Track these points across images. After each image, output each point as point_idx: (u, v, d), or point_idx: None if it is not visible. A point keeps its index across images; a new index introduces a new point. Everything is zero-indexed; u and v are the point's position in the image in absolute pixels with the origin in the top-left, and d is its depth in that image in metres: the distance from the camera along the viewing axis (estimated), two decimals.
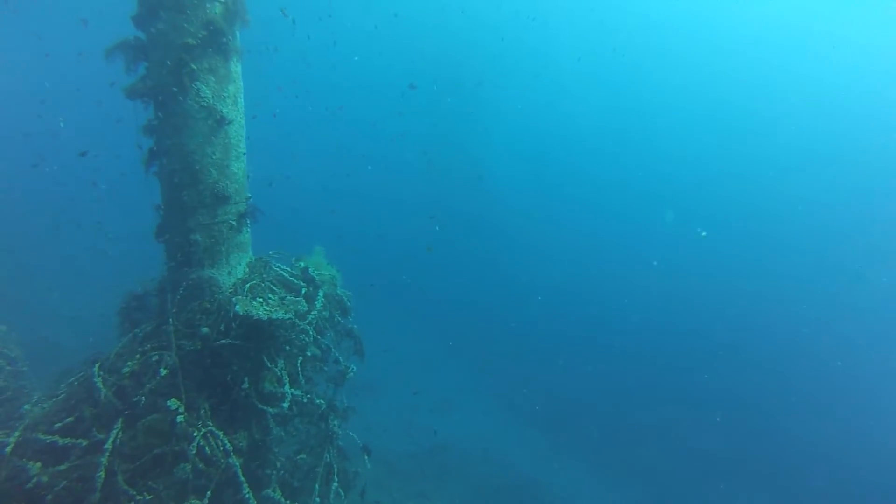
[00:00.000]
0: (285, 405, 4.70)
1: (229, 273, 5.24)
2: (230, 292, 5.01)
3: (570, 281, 27.62)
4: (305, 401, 4.96)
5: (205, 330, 4.74)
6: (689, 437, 17.40)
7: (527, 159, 38.71)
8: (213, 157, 4.91)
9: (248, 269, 5.40)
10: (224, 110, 4.86)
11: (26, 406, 4.52)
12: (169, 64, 4.55)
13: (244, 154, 5.36)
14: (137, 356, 4.53)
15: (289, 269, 5.63)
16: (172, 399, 4.11)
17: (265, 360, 4.78)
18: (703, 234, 28.46)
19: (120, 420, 3.97)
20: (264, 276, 5.32)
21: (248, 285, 5.04)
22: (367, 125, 35.34)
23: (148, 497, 3.72)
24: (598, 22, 40.06)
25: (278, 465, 5.10)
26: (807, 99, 36.80)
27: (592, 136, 39.19)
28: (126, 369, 4.41)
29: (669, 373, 20.55)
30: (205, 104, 4.68)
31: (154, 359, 4.51)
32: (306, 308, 4.93)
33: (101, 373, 4.38)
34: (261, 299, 4.96)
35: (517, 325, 23.09)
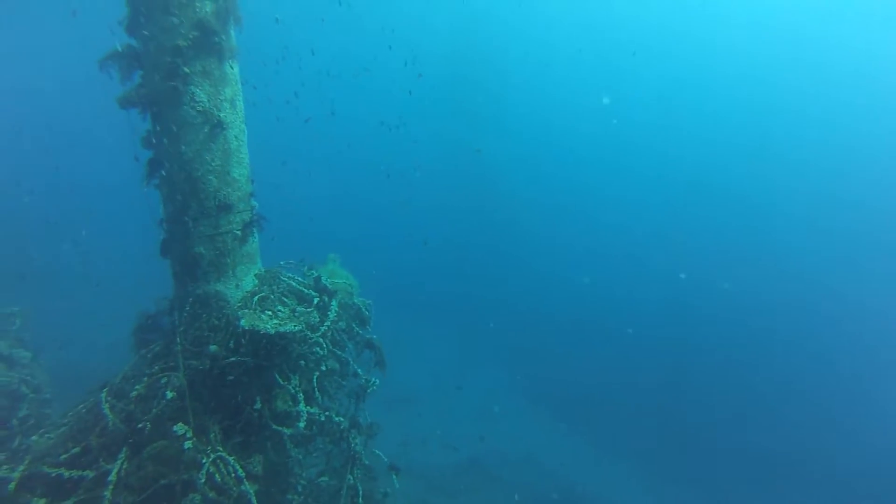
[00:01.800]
0: (301, 425, 4.37)
1: (237, 286, 4.96)
2: (238, 306, 4.72)
3: (611, 282, 26.82)
4: (323, 419, 4.62)
5: (213, 348, 4.45)
6: (739, 437, 16.53)
7: (544, 159, 38.09)
8: (213, 164, 4.65)
9: (257, 281, 5.11)
10: (221, 114, 4.60)
11: (34, 437, 4.30)
12: (161, 69, 4.31)
13: (247, 159, 5.10)
14: (145, 379, 4.27)
15: (300, 280, 5.32)
16: (179, 424, 3.82)
17: (277, 377, 4.47)
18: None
19: (124, 450, 3.69)
20: (274, 287, 5.02)
21: (256, 298, 4.75)
22: (379, 128, 35.32)
23: None
24: (608, 20, 39.60)
25: (300, 489, 4.77)
26: (810, 96, 35.45)
27: (609, 132, 38.32)
28: (134, 393, 4.15)
29: (717, 372, 19.63)
30: (200, 109, 4.42)
31: (163, 381, 4.24)
32: (318, 319, 4.59)
33: (109, 398, 4.13)
34: (270, 312, 4.66)
35: (557, 329, 22.47)
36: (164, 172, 4.56)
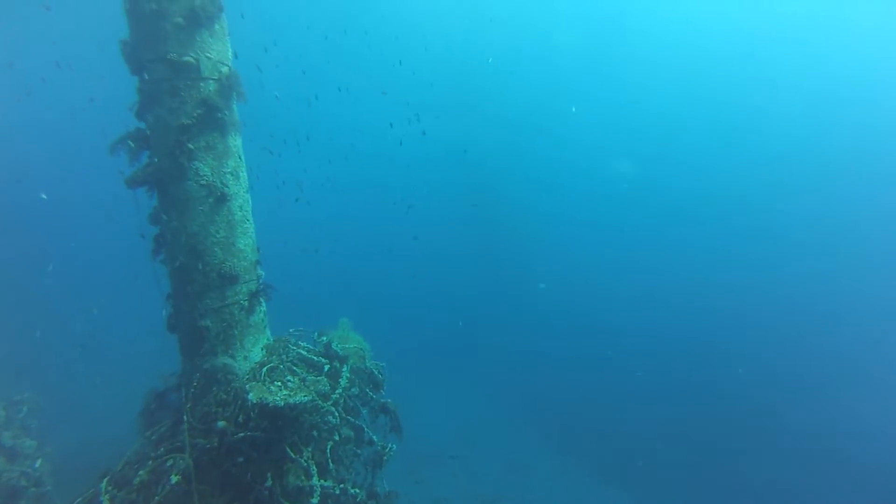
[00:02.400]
0: (315, 501, 4.13)
1: (245, 357, 4.85)
2: (247, 379, 4.59)
3: (629, 326, 26.22)
4: (338, 492, 4.37)
5: (221, 424, 4.29)
6: (769, 468, 15.69)
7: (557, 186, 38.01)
8: (217, 235, 4.66)
9: (265, 352, 5.01)
10: (224, 186, 4.65)
11: None
12: (167, 146, 4.40)
13: (251, 229, 5.11)
14: (149, 463, 4.09)
15: (310, 347, 5.20)
16: None
17: (289, 450, 4.27)
18: None
19: None
20: (283, 357, 4.91)
21: (265, 369, 4.63)
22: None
23: None
24: (607, 21, 40.12)
25: None
26: (809, 96, 35.80)
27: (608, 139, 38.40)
28: (137, 480, 3.96)
29: (745, 409, 18.83)
30: (204, 182, 4.48)
31: (168, 464, 4.07)
32: (329, 387, 4.44)
33: (110, 488, 3.95)
34: (279, 383, 4.52)
35: (580, 378, 21.82)
36: (169, 247, 4.56)
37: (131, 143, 4.39)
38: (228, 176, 4.73)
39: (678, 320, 25.97)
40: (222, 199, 4.64)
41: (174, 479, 3.78)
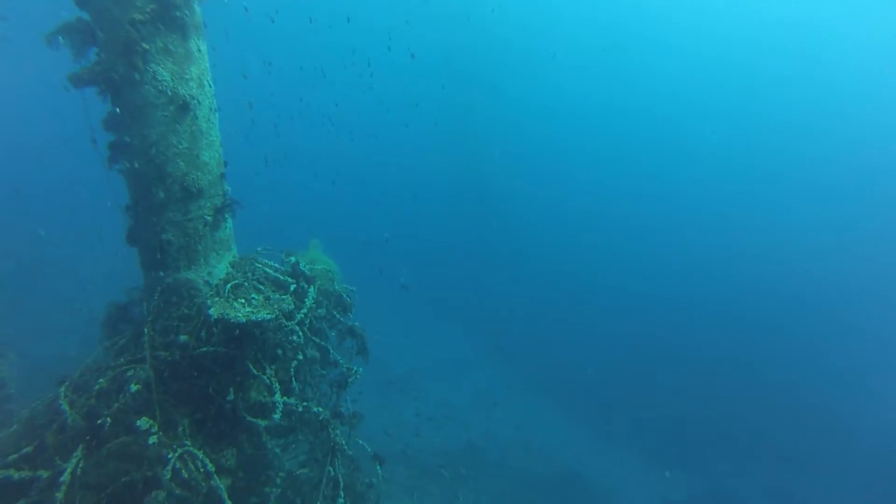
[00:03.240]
0: (277, 416, 4.20)
1: (209, 273, 4.76)
2: (210, 294, 4.53)
3: (610, 269, 26.66)
4: (301, 409, 4.45)
5: (183, 338, 4.27)
6: (737, 422, 16.46)
7: (543, 155, 37.71)
8: (180, 146, 4.43)
9: (230, 269, 4.92)
10: (187, 94, 4.37)
11: None
12: (117, 45, 4.07)
13: (218, 142, 4.88)
14: (109, 372, 4.09)
15: (277, 266, 5.12)
16: (143, 418, 3.65)
17: (251, 367, 4.29)
18: None
19: (80, 447, 3.52)
20: (249, 274, 4.83)
21: (229, 286, 4.55)
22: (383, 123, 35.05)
23: None
24: (604, 19, 39.16)
25: (278, 481, 4.62)
26: (809, 95, 35.01)
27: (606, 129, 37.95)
28: (97, 387, 3.97)
29: (717, 359, 19.51)
30: (163, 88, 4.19)
31: (128, 374, 4.06)
32: (293, 306, 4.40)
33: (69, 393, 3.95)
34: (243, 300, 4.46)
35: (556, 318, 22.34)
36: (127, 157, 4.34)
37: (61, 38, 4.04)
38: (191, 83, 4.43)
39: (658, 271, 26.45)
40: (185, 107, 4.37)
41: (134, 387, 3.78)
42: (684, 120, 37.49)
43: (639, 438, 15.32)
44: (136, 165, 4.30)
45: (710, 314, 22.17)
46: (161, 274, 4.58)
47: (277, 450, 4.47)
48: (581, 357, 18.81)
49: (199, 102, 4.53)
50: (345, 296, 5.37)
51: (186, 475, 3.59)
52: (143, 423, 3.60)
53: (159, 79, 4.13)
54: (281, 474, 4.68)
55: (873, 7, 31.52)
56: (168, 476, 3.51)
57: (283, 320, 4.42)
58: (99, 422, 3.59)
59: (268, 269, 4.90)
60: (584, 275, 26.03)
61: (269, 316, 4.22)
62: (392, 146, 35.48)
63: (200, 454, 3.73)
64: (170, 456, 3.58)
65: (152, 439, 3.58)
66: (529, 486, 12.42)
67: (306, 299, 4.70)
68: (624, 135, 37.62)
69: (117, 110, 4.27)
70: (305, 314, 4.62)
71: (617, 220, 32.58)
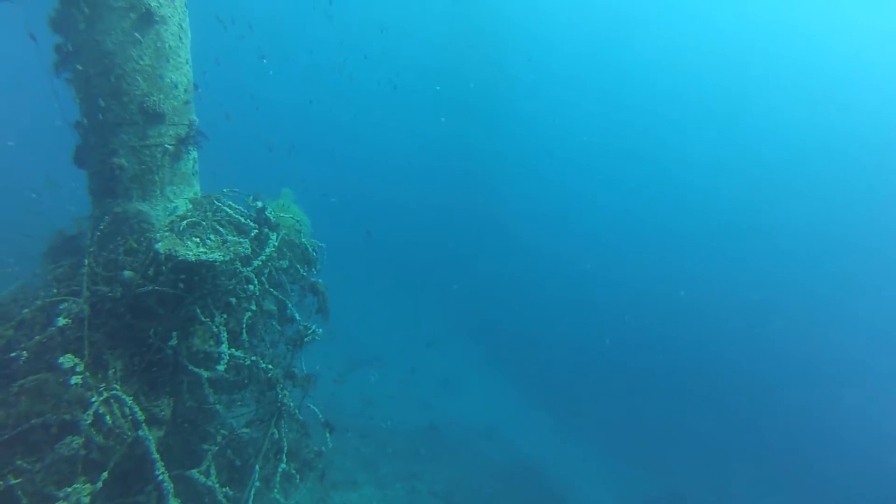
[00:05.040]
0: (221, 367, 3.84)
1: (165, 208, 4.35)
2: (164, 229, 4.11)
3: (581, 260, 26.59)
4: (248, 363, 4.09)
5: (128, 274, 3.86)
6: (702, 424, 16.54)
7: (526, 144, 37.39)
8: (141, 62, 3.98)
9: (190, 206, 4.50)
10: (151, 4, 3.91)
11: None
12: None
13: (188, 66, 4.43)
14: (38, 302, 3.67)
15: (242, 210, 4.70)
16: (67, 355, 3.25)
17: (199, 312, 3.90)
18: None
19: None
20: (209, 214, 4.41)
21: (185, 223, 4.14)
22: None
23: (14, 480, 2.88)
24: (604, 21, 38.88)
25: (219, 438, 4.27)
26: (807, 98, 35.22)
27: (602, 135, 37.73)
28: (19, 317, 3.56)
29: (685, 358, 19.58)
30: None
31: (60, 307, 3.65)
32: (250, 251, 4.01)
33: None
34: (198, 239, 4.05)
35: (529, 303, 22.26)
36: (78, 65, 3.87)
37: None
38: None
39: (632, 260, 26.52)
40: (148, 18, 3.92)
41: (62, 321, 3.38)
42: (684, 121, 37.39)
43: (602, 435, 15.27)
44: (89, 74, 3.83)
45: (686, 317, 22.24)
46: (110, 202, 4.15)
47: (220, 406, 4.10)
48: (553, 348, 18.75)
49: (166, 16, 4.08)
50: (311, 249, 4.98)
51: (111, 422, 3.22)
52: (66, 360, 3.21)
53: None
54: (223, 432, 4.33)
55: (873, 7, 31.51)
56: (88, 421, 3.13)
57: (239, 265, 4.04)
58: (13, 354, 3.19)
59: (230, 211, 4.49)
60: (562, 266, 25.99)
61: (222, 258, 3.83)
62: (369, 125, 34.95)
63: (130, 400, 3.36)
64: (93, 399, 3.20)
65: (75, 379, 3.19)
66: (489, 472, 12.26)
67: (266, 247, 4.30)
68: (618, 131, 37.39)
69: (69, 7, 3.78)
70: (264, 262, 4.24)
71: (595, 208, 32.57)
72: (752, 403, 18.04)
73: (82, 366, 3.30)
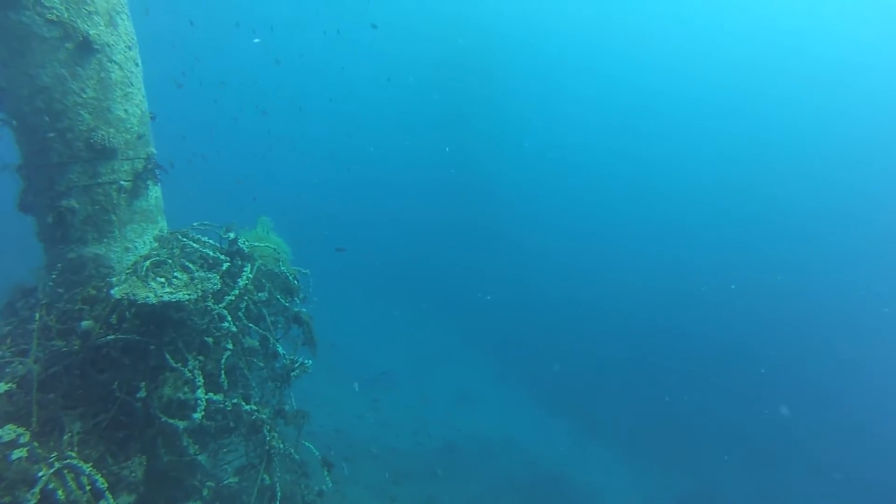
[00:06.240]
0: (197, 415, 3.49)
1: (126, 249, 4.04)
2: (126, 273, 3.78)
3: (594, 265, 26.09)
4: (229, 407, 3.74)
5: (86, 324, 3.54)
6: (723, 422, 15.99)
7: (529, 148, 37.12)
8: (84, 95, 3.69)
9: (155, 245, 4.18)
10: (90, 31, 3.62)
11: None
12: None
13: (140, 96, 4.14)
14: None
15: (213, 244, 4.38)
16: (8, 427, 2.90)
17: (168, 358, 3.56)
18: None
19: None
20: (176, 251, 4.09)
21: (148, 262, 3.81)
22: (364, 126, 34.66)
23: None
24: (603, 22, 38.80)
25: (205, 493, 3.90)
26: (806, 97, 34.87)
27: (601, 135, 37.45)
28: None
29: (701, 357, 18.99)
30: (53, 17, 3.43)
31: (7, 370, 3.32)
32: (219, 286, 3.68)
33: None
34: (163, 279, 3.73)
35: (536, 312, 21.74)
36: (11, 103, 3.57)
37: None
38: (97, 18, 3.69)
39: (643, 265, 26.02)
40: (86, 47, 3.62)
41: (3, 387, 3.04)
42: (684, 121, 37.07)
43: (624, 438, 14.77)
44: (24, 112, 3.53)
45: (702, 313, 21.67)
46: (63, 248, 3.84)
47: (202, 457, 3.74)
48: (566, 353, 18.25)
49: (108, 44, 3.79)
50: (292, 278, 4.65)
51: (63, 497, 2.85)
52: (5, 432, 2.86)
53: (46, 4, 3.37)
54: (209, 484, 3.97)
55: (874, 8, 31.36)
56: (33, 501, 2.76)
57: (210, 303, 3.70)
58: None
59: (198, 246, 4.16)
60: (573, 271, 25.46)
61: (188, 297, 3.50)
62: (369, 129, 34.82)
63: (87, 467, 3.00)
64: (41, 474, 2.84)
65: (18, 453, 2.84)
66: (510, 486, 11.80)
67: (240, 279, 3.97)
68: (617, 131, 37.10)
69: None
70: (238, 296, 3.90)
71: (604, 212, 32.09)
72: (787, 400, 17.39)
73: (28, 436, 2.95)
